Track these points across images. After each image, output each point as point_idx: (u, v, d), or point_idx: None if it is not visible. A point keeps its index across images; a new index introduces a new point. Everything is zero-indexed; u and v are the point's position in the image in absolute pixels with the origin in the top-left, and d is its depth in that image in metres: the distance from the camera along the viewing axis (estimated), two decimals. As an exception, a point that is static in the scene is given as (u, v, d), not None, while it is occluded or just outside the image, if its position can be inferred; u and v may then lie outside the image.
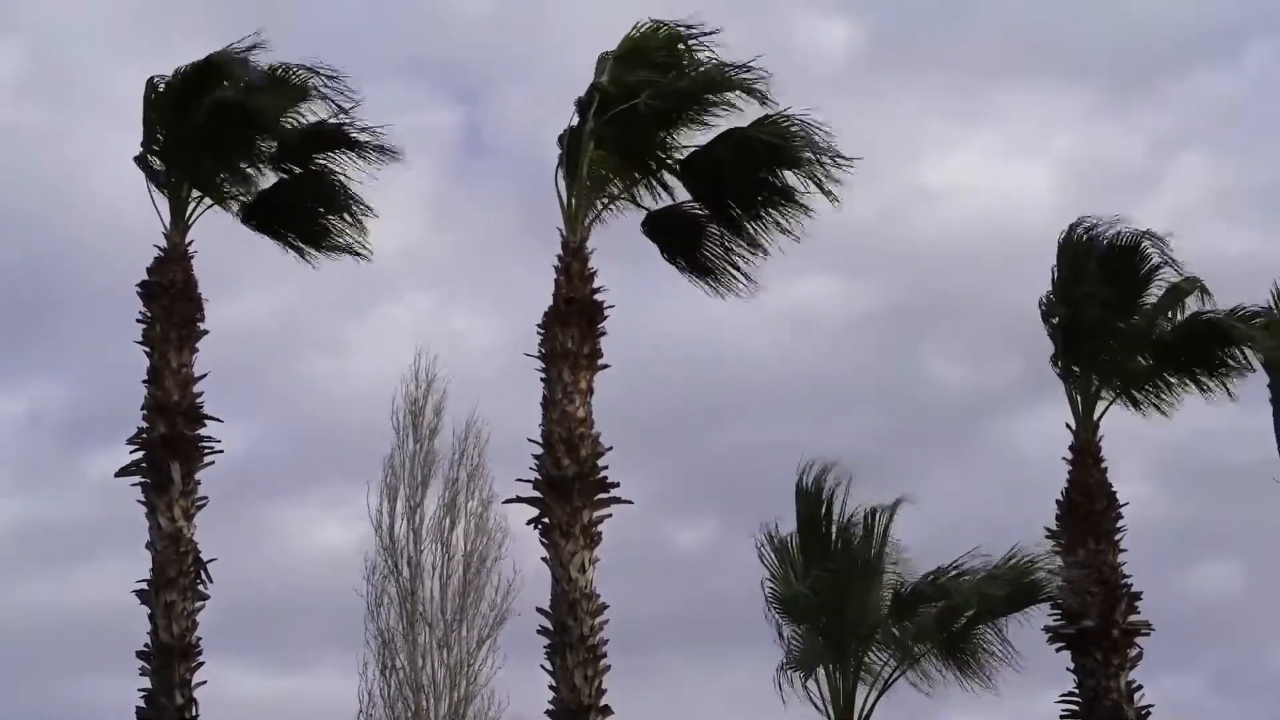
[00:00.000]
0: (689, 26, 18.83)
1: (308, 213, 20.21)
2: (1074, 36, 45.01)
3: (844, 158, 18.50)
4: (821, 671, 18.99)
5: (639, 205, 19.60)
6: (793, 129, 18.63)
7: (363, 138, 19.51)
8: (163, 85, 19.17)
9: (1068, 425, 20.38)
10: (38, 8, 40.05)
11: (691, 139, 19.12)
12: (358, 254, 20.31)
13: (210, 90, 18.93)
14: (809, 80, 38.35)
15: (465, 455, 32.43)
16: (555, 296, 18.40)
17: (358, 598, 31.35)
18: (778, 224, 19.30)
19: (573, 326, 18.22)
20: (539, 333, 18.39)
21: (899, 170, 43.51)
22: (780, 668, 18.93)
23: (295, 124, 19.61)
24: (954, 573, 18.87)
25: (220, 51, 18.94)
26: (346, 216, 20.11)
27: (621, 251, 19.51)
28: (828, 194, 18.71)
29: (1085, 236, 20.65)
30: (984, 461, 39.77)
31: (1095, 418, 20.38)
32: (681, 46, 18.92)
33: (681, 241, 19.81)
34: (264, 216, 20.13)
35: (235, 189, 19.84)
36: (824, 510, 19.32)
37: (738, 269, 19.74)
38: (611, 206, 19.37)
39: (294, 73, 19.31)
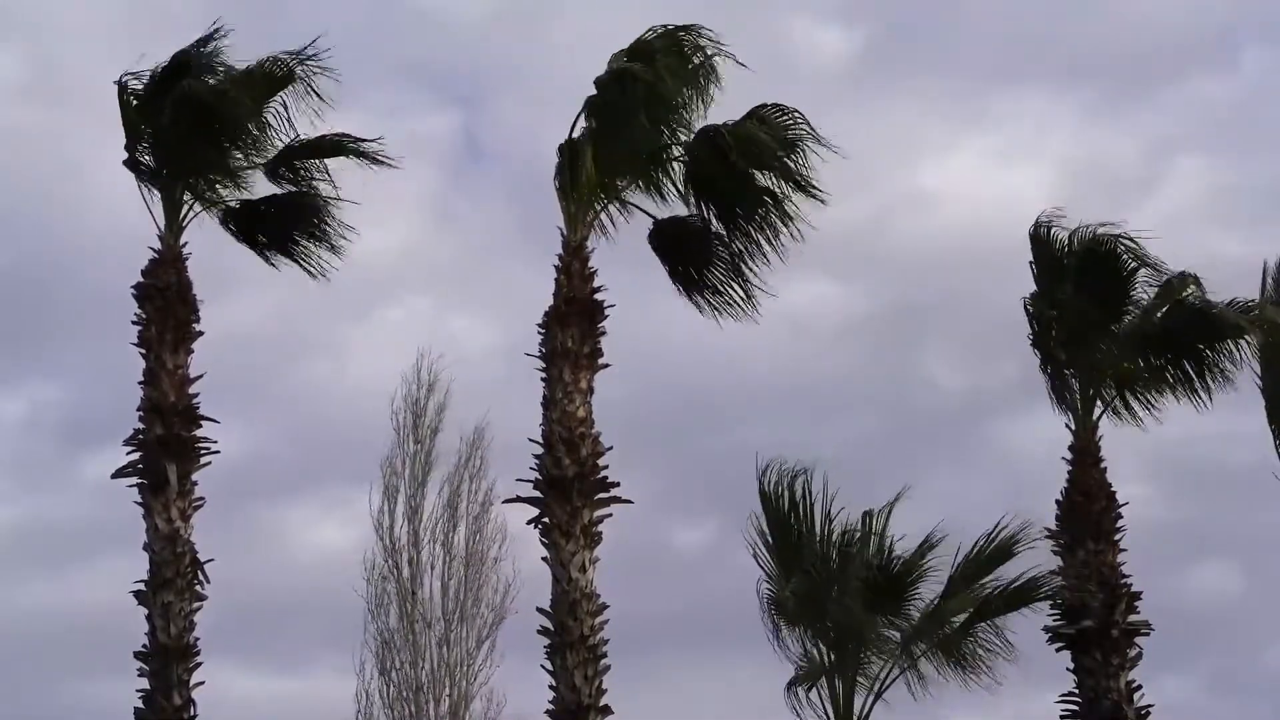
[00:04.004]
0: (701, 35, 18.59)
1: (285, 225, 20.10)
2: (1071, 40, 45.08)
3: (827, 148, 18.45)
4: (822, 677, 18.98)
5: (640, 209, 19.55)
6: (773, 125, 18.55)
7: (364, 147, 19.53)
8: (139, 85, 19.17)
9: (1067, 425, 20.32)
10: (36, 10, 40.06)
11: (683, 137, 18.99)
12: (323, 271, 20.24)
13: (183, 88, 18.84)
14: (806, 84, 38.39)
15: (471, 459, 32.62)
16: (555, 296, 18.38)
17: (355, 599, 31.40)
18: (769, 226, 19.09)
19: (573, 326, 18.19)
20: (539, 332, 18.38)
21: (896, 173, 43.61)
22: (790, 684, 18.94)
23: (284, 126, 19.63)
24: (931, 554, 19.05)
25: (185, 50, 18.93)
26: (324, 232, 20.03)
27: (621, 251, 19.54)
28: (810, 191, 18.63)
29: (1053, 234, 20.52)
30: (983, 463, 39.79)
31: (1094, 418, 20.32)
32: (688, 51, 18.63)
33: (686, 259, 19.56)
34: (243, 223, 20.07)
35: (220, 193, 19.81)
36: (799, 513, 19.22)
37: (744, 287, 19.52)
38: (610, 206, 19.33)
39: (277, 64, 19.25)
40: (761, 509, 19.22)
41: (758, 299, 19.52)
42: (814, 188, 18.69)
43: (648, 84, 18.43)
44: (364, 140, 19.54)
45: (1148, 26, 44.76)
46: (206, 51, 19.01)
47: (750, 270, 19.41)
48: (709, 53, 18.65)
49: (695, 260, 19.58)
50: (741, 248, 19.35)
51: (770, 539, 19.15)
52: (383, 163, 19.54)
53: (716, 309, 19.69)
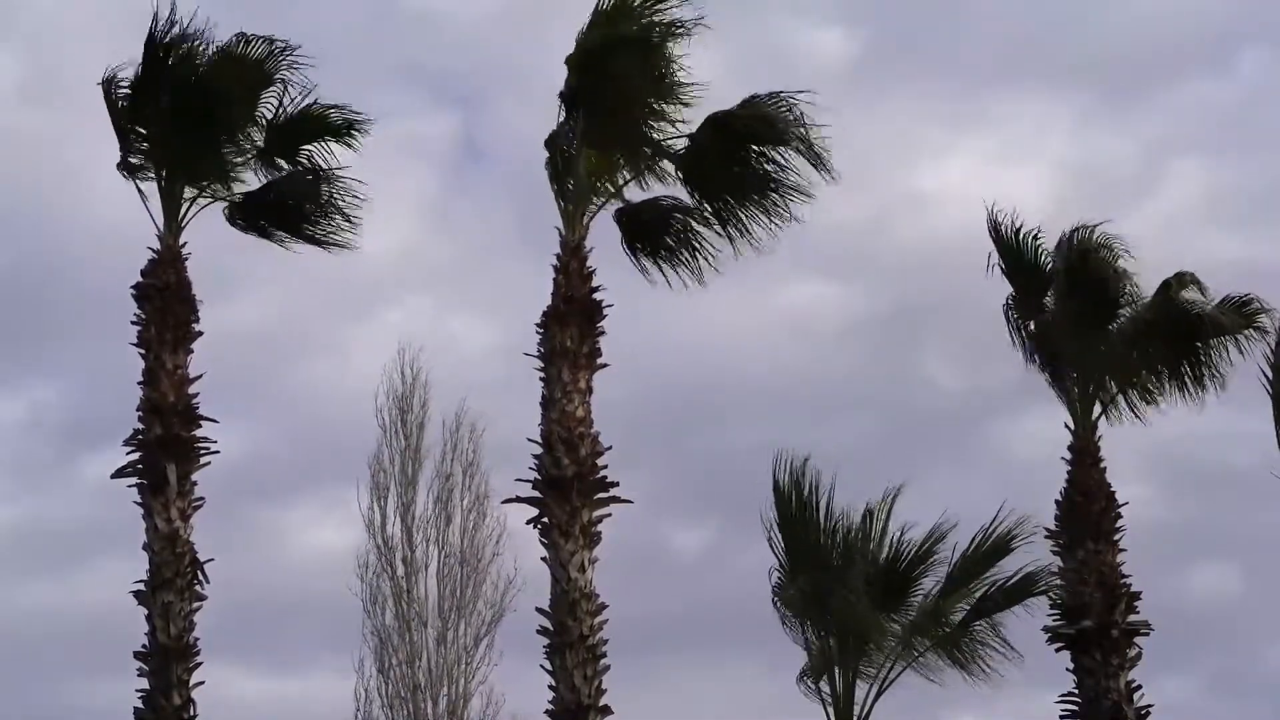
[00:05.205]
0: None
1: (293, 207, 20.03)
2: (1068, 42, 45.05)
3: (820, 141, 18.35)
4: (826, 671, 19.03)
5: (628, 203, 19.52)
6: (773, 109, 18.44)
7: (333, 115, 19.47)
8: (125, 86, 19.09)
9: (1066, 425, 20.32)
10: (36, 10, 40.10)
11: (679, 125, 18.91)
12: (344, 246, 20.15)
13: (171, 74, 18.84)
14: (806, 85, 38.33)
15: (458, 450, 32.33)
16: (554, 295, 18.35)
17: (354, 599, 31.34)
18: (766, 212, 19.02)
19: (572, 325, 18.18)
20: (538, 332, 18.36)
21: (894, 175, 43.58)
22: (800, 675, 18.97)
23: (272, 112, 19.56)
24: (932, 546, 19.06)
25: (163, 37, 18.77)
26: (334, 212, 19.97)
27: (619, 251, 19.52)
28: (819, 168, 18.50)
29: (1022, 238, 20.56)
30: (982, 463, 39.77)
31: (1094, 418, 20.32)
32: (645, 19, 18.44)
33: (644, 229, 19.54)
34: (250, 213, 19.99)
35: (219, 185, 19.78)
36: (808, 510, 19.23)
37: (701, 255, 19.50)
38: (608, 204, 19.31)
39: (253, 46, 19.13)
40: (774, 502, 19.24)
41: (706, 272, 19.56)
42: (824, 164, 18.57)
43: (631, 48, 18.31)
44: (340, 108, 19.50)
45: (1145, 28, 44.75)
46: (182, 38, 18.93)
47: (720, 234, 19.31)
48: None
49: (652, 228, 19.50)
50: (729, 230, 19.25)
51: (781, 533, 19.19)
52: (357, 132, 19.48)
53: (666, 273, 19.65)
